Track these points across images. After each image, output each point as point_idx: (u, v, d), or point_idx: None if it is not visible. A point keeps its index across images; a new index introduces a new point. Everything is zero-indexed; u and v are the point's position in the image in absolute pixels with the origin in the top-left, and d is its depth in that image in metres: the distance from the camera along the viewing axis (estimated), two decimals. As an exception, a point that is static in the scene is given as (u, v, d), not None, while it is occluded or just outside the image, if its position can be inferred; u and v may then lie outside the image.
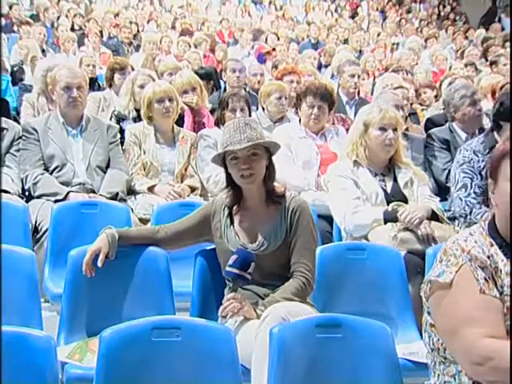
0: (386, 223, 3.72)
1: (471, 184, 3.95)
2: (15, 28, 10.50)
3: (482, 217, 3.78)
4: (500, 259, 2.08)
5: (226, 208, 3.08)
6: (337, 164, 4.07)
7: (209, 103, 5.83)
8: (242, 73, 6.74)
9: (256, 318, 2.80)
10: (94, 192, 4.35)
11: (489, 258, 2.06)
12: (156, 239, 3.13)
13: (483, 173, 3.92)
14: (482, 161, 3.98)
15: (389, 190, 3.88)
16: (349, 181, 3.85)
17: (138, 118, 5.10)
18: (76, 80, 4.48)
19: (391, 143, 3.85)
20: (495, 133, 4.06)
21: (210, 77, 7.01)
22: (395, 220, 3.72)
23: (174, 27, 12.23)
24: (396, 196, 3.85)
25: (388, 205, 3.81)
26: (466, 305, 2.02)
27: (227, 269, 2.88)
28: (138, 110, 5.16)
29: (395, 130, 3.85)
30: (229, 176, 3.05)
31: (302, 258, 2.98)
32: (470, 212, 3.91)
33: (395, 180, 3.91)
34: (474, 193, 3.93)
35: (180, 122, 5.26)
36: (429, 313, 2.16)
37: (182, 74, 5.75)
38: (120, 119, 5.22)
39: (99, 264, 2.97)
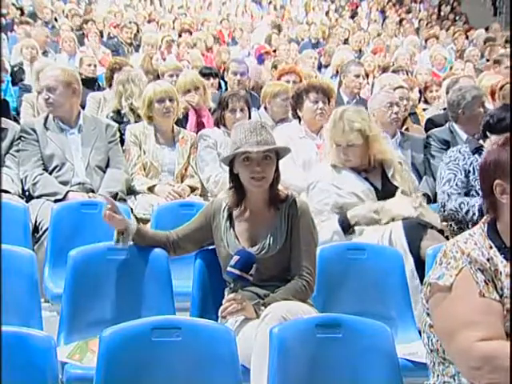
0: (344, 230, 3.78)
1: (454, 178, 4.08)
2: (15, 28, 10.51)
3: (459, 205, 3.99)
4: (499, 261, 2.07)
5: (225, 210, 3.07)
6: (317, 171, 4.10)
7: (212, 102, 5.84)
8: (244, 75, 6.71)
9: (256, 318, 2.80)
10: (93, 191, 4.35)
11: (488, 260, 2.06)
12: (167, 244, 3.13)
13: (466, 171, 4.08)
14: (469, 158, 4.13)
15: (379, 186, 3.90)
16: (326, 190, 3.89)
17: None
18: (46, 81, 4.48)
19: (349, 159, 3.88)
20: (481, 140, 4.20)
21: (216, 75, 6.99)
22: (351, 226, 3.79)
23: (174, 27, 12.25)
24: (386, 189, 3.87)
25: (379, 200, 3.83)
26: (465, 308, 2.01)
27: (228, 269, 2.88)
28: (133, 110, 5.19)
29: (350, 145, 3.85)
30: (233, 177, 3.04)
31: (303, 261, 2.98)
32: (448, 200, 4.04)
33: (384, 173, 3.93)
34: (456, 185, 4.07)
35: (183, 121, 5.28)
36: (428, 314, 2.16)
37: (185, 73, 5.77)
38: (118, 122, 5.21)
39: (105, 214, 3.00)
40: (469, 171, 4.09)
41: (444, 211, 4.07)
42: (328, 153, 4.03)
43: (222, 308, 2.83)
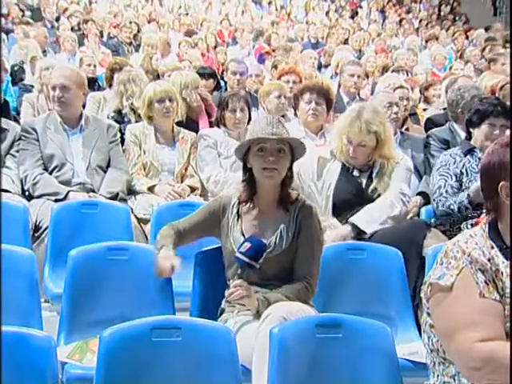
0: None
1: (445, 184, 4.08)
2: (15, 28, 10.50)
3: (449, 206, 3.99)
4: (501, 261, 2.06)
5: (234, 206, 3.07)
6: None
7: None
8: (244, 75, 6.71)
9: (257, 310, 2.81)
10: (94, 192, 4.34)
11: (489, 260, 2.05)
12: (175, 237, 3.12)
13: (458, 174, 4.09)
14: (460, 161, 4.13)
15: (363, 186, 3.95)
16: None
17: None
18: (60, 80, 4.45)
19: (355, 157, 3.93)
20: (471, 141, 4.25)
21: (210, 75, 6.99)
22: None
23: (173, 27, 12.25)
24: (366, 191, 3.92)
25: (358, 201, 3.87)
26: (465, 308, 2.01)
27: (237, 255, 2.86)
28: (134, 110, 5.20)
29: (361, 145, 3.89)
30: (246, 170, 3.04)
31: (307, 264, 2.98)
32: (437, 207, 4.07)
33: (371, 175, 3.97)
34: (446, 192, 4.06)
35: (191, 123, 5.26)
36: (428, 314, 2.16)
37: (186, 71, 5.82)
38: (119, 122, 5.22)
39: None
40: (461, 173, 4.10)
41: (436, 216, 4.10)
42: (331, 142, 4.06)
43: (228, 293, 2.84)
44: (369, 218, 3.81)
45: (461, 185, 4.08)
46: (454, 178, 4.09)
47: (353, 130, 3.88)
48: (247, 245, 2.86)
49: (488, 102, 4.17)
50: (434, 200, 4.11)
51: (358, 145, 3.90)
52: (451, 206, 3.99)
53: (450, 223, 4.02)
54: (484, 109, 4.12)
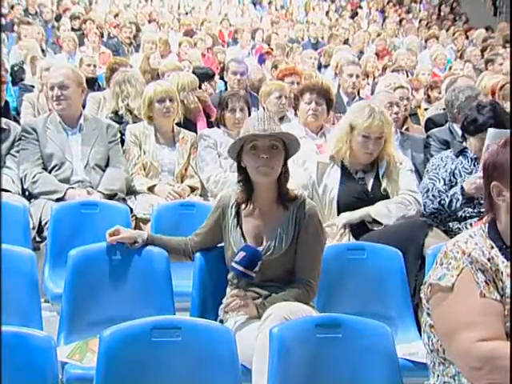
0: None
1: (433, 188, 4.07)
2: (15, 28, 10.52)
3: (439, 203, 3.98)
4: (501, 261, 2.07)
5: (234, 207, 3.05)
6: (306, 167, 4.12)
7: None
8: (244, 75, 6.71)
9: (257, 317, 2.80)
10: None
11: (489, 260, 2.05)
12: (185, 250, 3.14)
13: (448, 178, 4.08)
14: (453, 163, 4.11)
15: (369, 188, 3.91)
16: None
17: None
18: (58, 79, 4.45)
19: (372, 152, 3.89)
20: (464, 142, 4.23)
21: (210, 77, 6.99)
22: None
23: (173, 27, 12.26)
24: (377, 192, 3.89)
25: (362, 204, 3.84)
26: (466, 308, 2.01)
27: (233, 265, 2.87)
28: (130, 111, 5.20)
29: (379, 137, 3.86)
30: (242, 171, 3.01)
31: (308, 265, 2.97)
32: (425, 209, 4.05)
33: (377, 175, 3.94)
34: (433, 195, 4.06)
35: (189, 125, 5.26)
36: (428, 314, 2.16)
37: (184, 73, 5.82)
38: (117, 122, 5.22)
39: (108, 237, 3.11)
40: (454, 174, 4.08)
41: (425, 216, 4.06)
42: (334, 144, 3.98)
43: (224, 303, 2.83)
44: (387, 211, 3.82)
45: (453, 186, 4.08)
46: (442, 181, 4.07)
47: (374, 123, 3.83)
48: (242, 254, 2.86)
49: (486, 113, 4.06)
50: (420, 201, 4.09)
51: (376, 138, 3.85)
52: (441, 202, 3.98)
53: (441, 219, 4.02)
54: (483, 121, 4.03)
